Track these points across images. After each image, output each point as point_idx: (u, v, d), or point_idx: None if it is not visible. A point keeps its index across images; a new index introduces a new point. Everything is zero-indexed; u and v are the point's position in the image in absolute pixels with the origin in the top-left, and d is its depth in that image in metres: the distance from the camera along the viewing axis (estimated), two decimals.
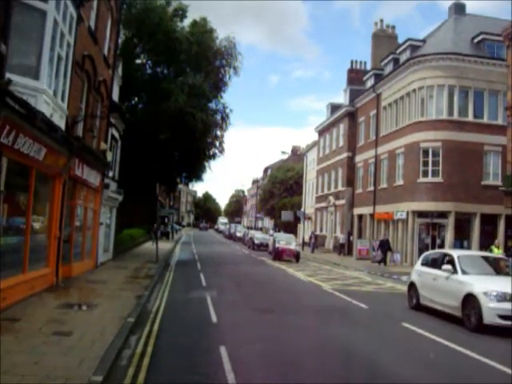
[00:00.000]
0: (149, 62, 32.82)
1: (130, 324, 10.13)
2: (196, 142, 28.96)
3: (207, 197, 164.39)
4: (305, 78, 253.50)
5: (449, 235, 31.00)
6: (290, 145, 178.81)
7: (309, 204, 56.24)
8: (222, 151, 33.30)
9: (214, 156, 33.65)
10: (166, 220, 69.85)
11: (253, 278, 21.78)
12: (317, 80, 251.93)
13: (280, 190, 74.81)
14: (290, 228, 64.45)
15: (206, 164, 34.63)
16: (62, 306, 11.52)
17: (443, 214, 31.31)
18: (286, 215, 64.63)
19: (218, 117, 32.02)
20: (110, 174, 23.27)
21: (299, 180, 70.12)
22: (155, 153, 28.40)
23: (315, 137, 57.89)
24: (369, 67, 47.13)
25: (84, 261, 19.21)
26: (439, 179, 31.21)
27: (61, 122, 13.04)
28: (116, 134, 25.03)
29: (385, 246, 31.37)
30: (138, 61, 32.57)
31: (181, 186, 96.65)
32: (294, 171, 74.59)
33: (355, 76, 48.99)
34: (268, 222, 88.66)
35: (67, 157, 14.15)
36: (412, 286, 14.99)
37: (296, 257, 32.04)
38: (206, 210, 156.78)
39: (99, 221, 21.48)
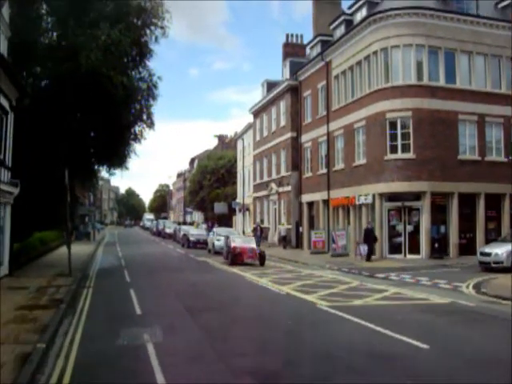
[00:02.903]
0: (55, 21, 25.64)
1: None
2: (116, 114, 22.41)
3: (130, 193, 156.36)
4: (225, 70, 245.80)
5: (424, 220, 26.32)
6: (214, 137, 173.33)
7: (246, 193, 50.57)
8: (151, 125, 26.61)
9: (141, 134, 27.11)
10: (87, 219, 64.31)
11: (206, 293, 15.66)
12: (237, 71, 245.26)
13: (210, 180, 68.84)
14: (225, 221, 59.22)
15: (132, 146, 28.13)
16: None
17: (417, 196, 26.65)
18: (220, 207, 59.31)
19: (144, 86, 25.54)
20: None
21: (232, 169, 64.64)
22: (64, 131, 21.65)
23: (240, 128, 51.96)
24: (307, 39, 42.09)
25: None
26: (411, 155, 26.42)
27: None
28: (5, 103, 18.15)
29: (370, 237, 25.70)
30: (44, 25, 25.54)
31: (102, 183, 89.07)
32: (226, 159, 68.75)
33: (292, 50, 44.41)
34: (198, 216, 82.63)
35: None
36: None
37: (261, 259, 24.54)
38: (129, 206, 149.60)
39: None
